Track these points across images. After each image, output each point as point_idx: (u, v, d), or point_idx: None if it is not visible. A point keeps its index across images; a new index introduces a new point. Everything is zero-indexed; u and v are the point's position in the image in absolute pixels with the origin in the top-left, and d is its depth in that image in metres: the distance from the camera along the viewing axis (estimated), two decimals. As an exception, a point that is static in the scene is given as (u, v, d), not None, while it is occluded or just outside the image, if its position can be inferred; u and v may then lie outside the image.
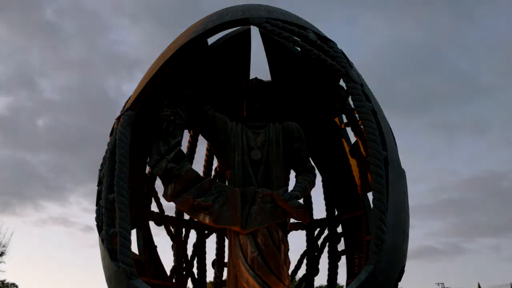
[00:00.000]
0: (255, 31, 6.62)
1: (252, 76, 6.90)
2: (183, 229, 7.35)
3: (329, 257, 7.10)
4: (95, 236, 5.68)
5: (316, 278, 7.35)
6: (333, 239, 7.10)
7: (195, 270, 7.42)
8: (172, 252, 7.16)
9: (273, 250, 5.32)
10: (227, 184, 6.00)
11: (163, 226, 7.02)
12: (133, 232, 6.11)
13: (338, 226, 7.11)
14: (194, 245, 7.45)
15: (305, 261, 7.40)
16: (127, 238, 4.97)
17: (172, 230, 7.19)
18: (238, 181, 5.82)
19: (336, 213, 7.17)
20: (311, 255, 7.33)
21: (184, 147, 7.18)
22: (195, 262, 7.44)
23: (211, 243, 7.62)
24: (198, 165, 7.77)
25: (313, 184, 6.13)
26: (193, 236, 7.47)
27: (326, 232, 7.24)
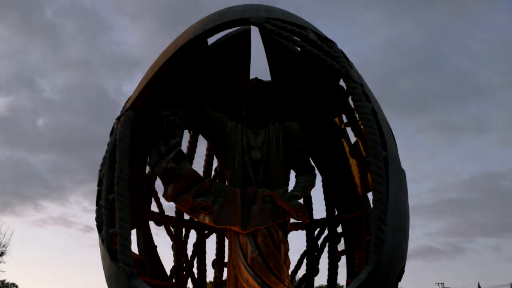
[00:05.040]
0: (255, 31, 6.62)
1: (252, 76, 6.91)
2: (183, 229, 7.35)
3: (329, 257, 7.10)
4: (95, 236, 5.68)
5: (316, 278, 7.35)
6: (333, 239, 7.10)
7: (195, 270, 7.41)
8: (172, 252, 7.16)
9: (273, 250, 5.32)
10: (227, 184, 6.01)
11: (163, 226, 7.02)
12: (133, 232, 6.11)
13: (338, 226, 7.10)
14: (194, 245, 7.45)
15: (305, 261, 7.40)
16: (127, 238, 4.97)
17: (172, 230, 7.19)
18: (238, 181, 5.82)
19: (336, 213, 7.17)
20: (311, 255, 7.33)
21: (184, 147, 7.18)
22: (195, 262, 7.44)
23: (211, 243, 7.63)
24: (198, 165, 7.78)
25: (313, 184, 6.14)
26: (193, 236, 7.47)
27: (326, 232, 7.24)
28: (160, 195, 6.51)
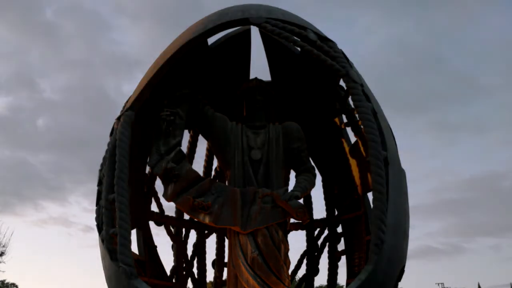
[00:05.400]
0: (255, 31, 6.62)
1: (252, 76, 6.91)
2: (183, 229, 7.35)
3: (329, 257, 7.10)
4: (95, 236, 5.68)
5: (316, 278, 7.35)
6: (333, 239, 7.10)
7: (195, 270, 7.41)
8: (172, 252, 7.15)
9: (273, 250, 5.32)
10: (227, 184, 6.01)
11: (163, 226, 7.02)
12: (133, 232, 6.11)
13: (338, 226, 7.10)
14: (194, 245, 7.45)
15: (305, 261, 7.39)
16: (127, 238, 4.96)
17: (172, 230, 7.19)
18: (238, 181, 5.83)
19: (336, 213, 7.17)
20: (311, 255, 7.33)
21: (184, 147, 7.18)
22: (195, 262, 7.44)
23: (211, 243, 7.63)
24: (198, 165, 7.78)
25: (313, 184, 6.13)
26: (193, 236, 7.47)
27: (326, 232, 7.24)
28: (160, 195, 6.51)
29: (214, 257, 7.59)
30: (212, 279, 7.74)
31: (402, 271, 5.56)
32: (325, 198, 7.33)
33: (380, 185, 5.10)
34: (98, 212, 5.70)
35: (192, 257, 7.40)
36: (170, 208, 9.87)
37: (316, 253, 7.30)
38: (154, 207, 6.94)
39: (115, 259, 4.97)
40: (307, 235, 7.43)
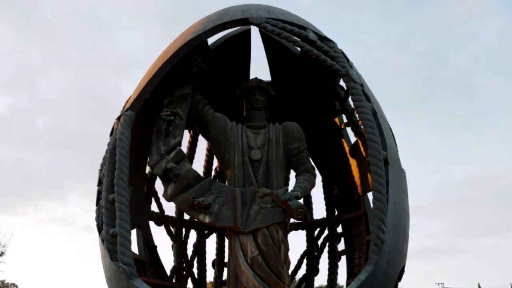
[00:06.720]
0: (255, 31, 6.62)
1: (252, 76, 6.91)
2: (183, 229, 7.34)
3: (329, 257, 7.09)
4: (95, 236, 5.69)
5: (316, 278, 7.35)
6: (333, 239, 7.09)
7: (195, 270, 7.41)
8: (172, 252, 7.15)
9: (273, 250, 5.32)
10: (227, 184, 6.00)
11: (163, 226, 7.02)
12: (133, 232, 6.11)
13: (338, 226, 7.09)
14: (194, 245, 7.44)
15: (305, 261, 7.39)
16: (127, 238, 4.97)
17: (172, 230, 7.18)
18: (238, 181, 5.83)
19: (336, 213, 7.16)
20: (311, 255, 7.32)
21: (184, 147, 7.17)
22: (195, 262, 7.43)
23: (211, 243, 7.62)
24: (198, 165, 7.78)
25: (313, 184, 6.13)
26: (193, 236, 7.47)
27: (326, 232, 7.23)
28: (160, 195, 6.51)
29: (214, 257, 7.59)
30: (212, 279, 7.74)
31: (402, 271, 5.56)
32: (325, 198, 7.32)
33: (380, 185, 5.10)
34: (98, 212, 5.70)
35: (192, 257, 7.39)
36: (170, 208, 9.87)
37: (316, 253, 7.29)
38: (154, 207, 6.95)
39: (115, 259, 4.97)
40: (307, 235, 7.42)
